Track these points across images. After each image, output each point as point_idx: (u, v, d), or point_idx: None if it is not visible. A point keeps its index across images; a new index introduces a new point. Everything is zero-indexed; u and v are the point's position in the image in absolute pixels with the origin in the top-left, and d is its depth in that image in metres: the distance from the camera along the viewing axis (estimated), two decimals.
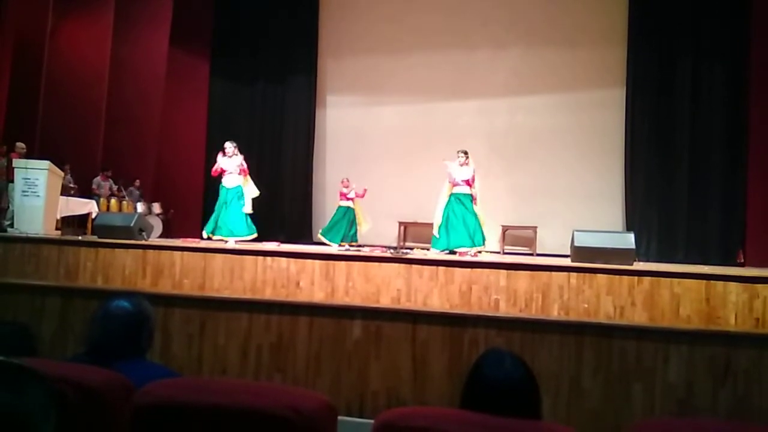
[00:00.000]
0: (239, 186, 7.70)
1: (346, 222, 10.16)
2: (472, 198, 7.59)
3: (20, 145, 7.90)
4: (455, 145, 8.28)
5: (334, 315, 4.21)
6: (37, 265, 5.66)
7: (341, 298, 5.05)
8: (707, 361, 3.70)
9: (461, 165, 7.60)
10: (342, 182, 10.40)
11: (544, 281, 4.72)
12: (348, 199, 10.27)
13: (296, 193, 11.87)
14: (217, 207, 7.77)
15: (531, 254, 9.83)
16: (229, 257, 5.42)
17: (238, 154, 7.80)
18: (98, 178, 9.95)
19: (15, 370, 1.04)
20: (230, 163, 7.73)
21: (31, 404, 1.01)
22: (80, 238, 6.62)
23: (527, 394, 1.55)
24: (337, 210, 10.31)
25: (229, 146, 7.77)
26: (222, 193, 7.77)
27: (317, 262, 5.21)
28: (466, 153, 7.67)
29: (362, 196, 10.29)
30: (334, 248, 8.32)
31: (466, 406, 1.53)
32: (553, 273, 4.74)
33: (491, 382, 1.54)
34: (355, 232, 10.18)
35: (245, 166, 7.80)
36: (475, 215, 7.46)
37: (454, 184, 7.59)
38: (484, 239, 7.34)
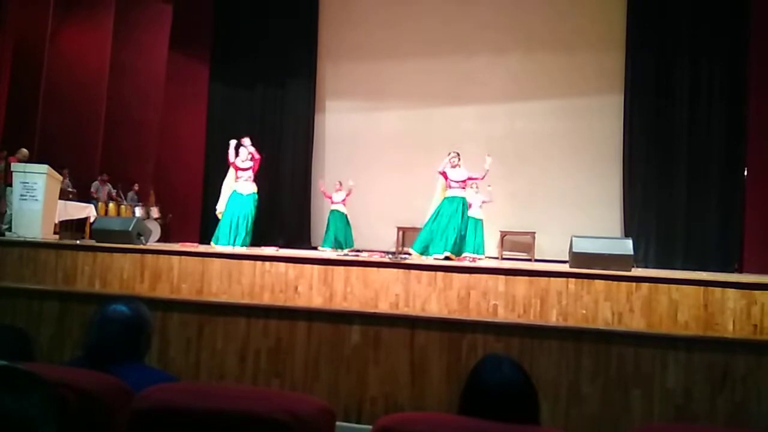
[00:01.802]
0: (253, 193, 7.54)
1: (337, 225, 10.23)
2: (465, 202, 7.46)
3: (24, 152, 7.90)
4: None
5: (333, 320, 4.21)
6: (35, 269, 5.65)
7: (339, 303, 5.04)
8: (705, 367, 3.70)
9: (453, 167, 7.46)
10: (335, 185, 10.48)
11: (543, 287, 4.72)
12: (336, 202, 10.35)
13: (295, 197, 11.86)
14: (231, 216, 7.35)
15: (529, 260, 9.82)
16: (227, 262, 5.42)
17: (250, 159, 7.56)
18: (97, 182, 9.96)
19: (16, 374, 1.04)
20: (245, 167, 7.52)
21: (32, 408, 1.01)
22: (78, 242, 6.61)
23: (526, 399, 1.55)
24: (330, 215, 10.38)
25: (245, 149, 7.50)
26: (236, 199, 7.42)
27: (316, 267, 5.20)
28: (458, 154, 7.52)
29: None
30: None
31: (465, 411, 1.53)
32: (552, 279, 4.73)
33: (490, 387, 1.54)
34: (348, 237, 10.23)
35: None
36: (459, 221, 7.23)
37: (449, 186, 7.42)
38: (453, 247, 7.10)
